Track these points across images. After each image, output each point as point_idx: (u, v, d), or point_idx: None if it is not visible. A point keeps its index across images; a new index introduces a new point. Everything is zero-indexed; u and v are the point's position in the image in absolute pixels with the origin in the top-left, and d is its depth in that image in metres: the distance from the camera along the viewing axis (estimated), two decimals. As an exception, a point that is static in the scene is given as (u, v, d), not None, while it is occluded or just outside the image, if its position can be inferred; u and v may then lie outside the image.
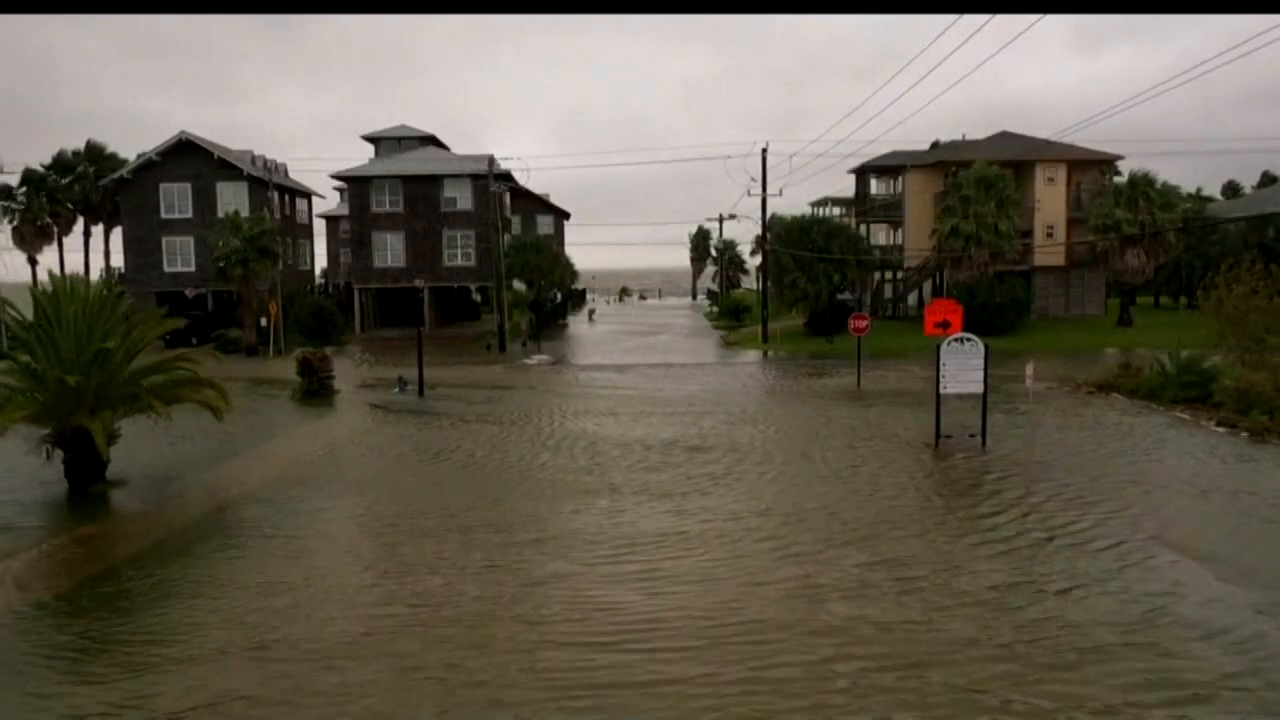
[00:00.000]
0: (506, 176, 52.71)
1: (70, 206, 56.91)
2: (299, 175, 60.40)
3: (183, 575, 11.71)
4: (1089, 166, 49.97)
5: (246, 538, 13.50)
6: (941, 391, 19.02)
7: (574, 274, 73.44)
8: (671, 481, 16.38)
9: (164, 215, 50.09)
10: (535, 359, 39.38)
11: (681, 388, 29.78)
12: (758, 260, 62.27)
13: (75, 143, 58.60)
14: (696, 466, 17.52)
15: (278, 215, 50.44)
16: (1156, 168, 68.83)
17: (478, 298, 66.71)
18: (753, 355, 41.60)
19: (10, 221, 54.87)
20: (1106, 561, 11.51)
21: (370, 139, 60.30)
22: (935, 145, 55.28)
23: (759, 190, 47.58)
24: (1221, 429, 19.94)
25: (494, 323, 47.25)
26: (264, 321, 42.43)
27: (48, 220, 56.15)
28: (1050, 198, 49.34)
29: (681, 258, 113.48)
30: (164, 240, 50.21)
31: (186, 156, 49.86)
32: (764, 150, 47.36)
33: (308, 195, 60.79)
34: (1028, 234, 48.04)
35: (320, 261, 70.89)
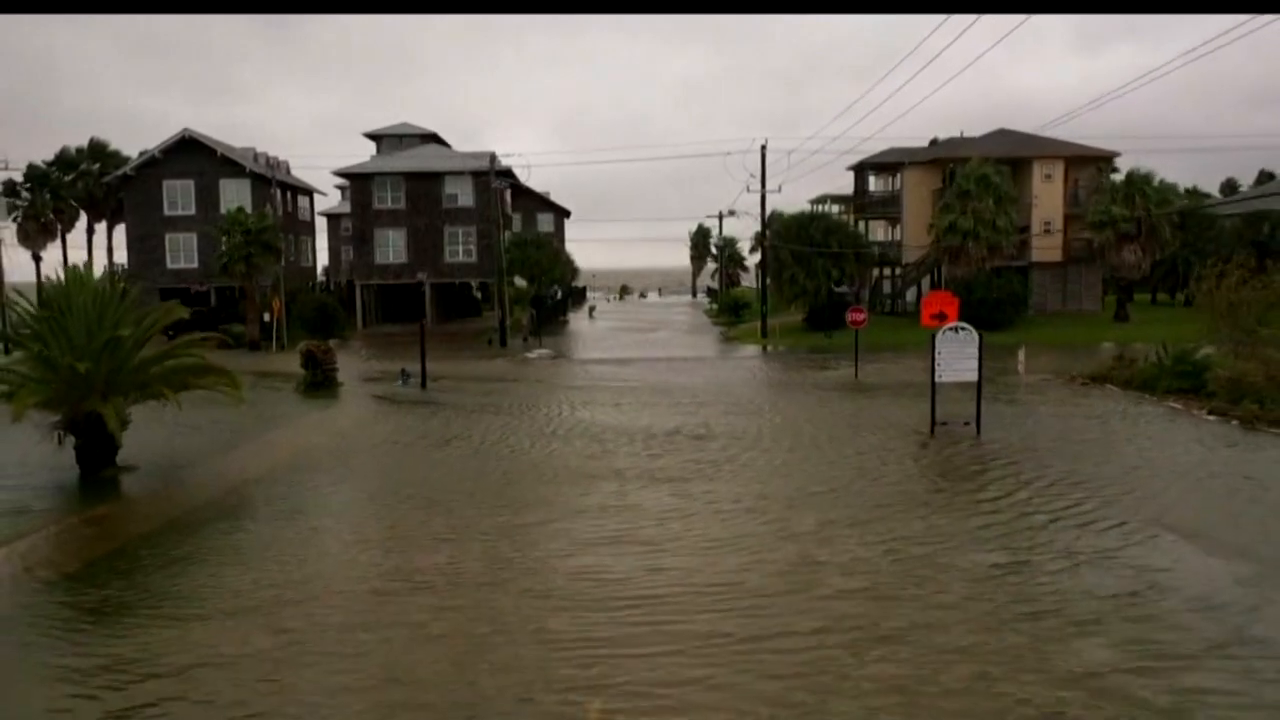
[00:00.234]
0: (507, 173, 53.04)
1: (74, 203, 57.31)
2: (300, 173, 60.75)
3: (195, 550, 12.05)
4: (1086, 163, 50.27)
5: (258, 516, 13.85)
6: (937, 380, 19.35)
7: (575, 271, 73.79)
8: (675, 467, 16.69)
9: (167, 212, 50.42)
10: (536, 353, 39.72)
11: (682, 380, 30.13)
12: (757, 258, 62.60)
13: (76, 142, 58.75)
14: (699, 453, 17.83)
15: (280, 212, 50.76)
16: (1156, 166, 69.24)
17: (478, 295, 67.05)
18: (752, 350, 41.94)
19: (14, 218, 55.19)
20: (1105, 540, 11.78)
21: (372, 136, 60.61)
22: (934, 143, 55.60)
23: (758, 186, 47.93)
24: (1213, 418, 20.26)
25: (494, 319, 47.58)
26: (267, 317, 42.76)
27: (51, 217, 56.52)
28: (1048, 194, 49.65)
29: (681, 257, 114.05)
30: (167, 237, 50.54)
31: (190, 153, 50.18)
32: (763, 146, 47.79)
33: (309, 193, 61.10)
34: (1025, 230, 48.38)
35: (322, 259, 71.26)
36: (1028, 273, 49.39)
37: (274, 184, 51.15)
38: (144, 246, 50.27)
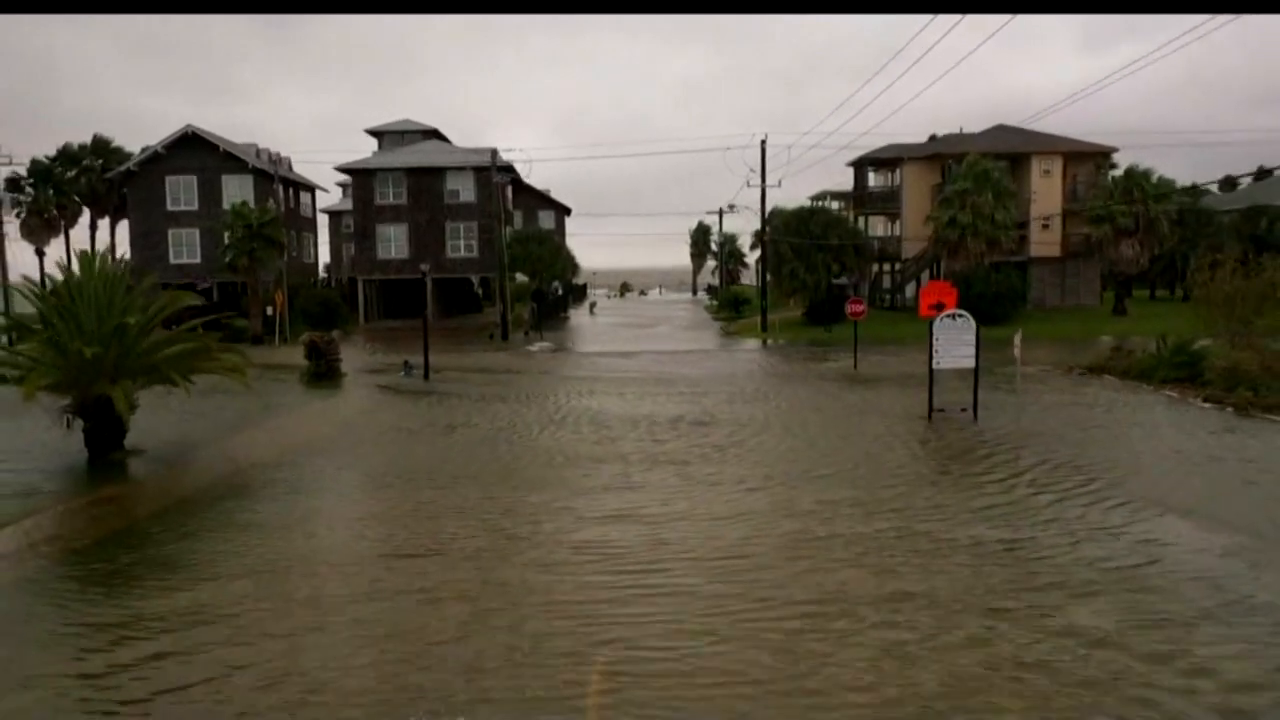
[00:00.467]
0: (509, 169, 53.21)
1: (76, 199, 57.50)
2: (301, 169, 60.92)
3: (203, 525, 12.26)
4: (1084, 159, 50.47)
5: (267, 495, 14.04)
6: (935, 367, 19.56)
7: (575, 267, 73.97)
8: (678, 451, 16.88)
9: (170, 208, 50.63)
10: (538, 346, 39.93)
11: (684, 371, 30.33)
12: (757, 254, 62.79)
13: (78, 142, 58.93)
14: (702, 438, 18.02)
15: (282, 207, 50.95)
16: (1156, 163, 69.40)
17: (479, 291, 67.25)
18: (752, 343, 42.14)
19: (17, 214, 55.41)
20: (1102, 517, 11.97)
21: (373, 133, 60.80)
22: (933, 138, 55.81)
23: (758, 181, 48.14)
24: (1208, 405, 20.48)
25: (495, 315, 47.77)
26: (270, 311, 42.93)
27: (54, 212, 56.73)
28: (1046, 190, 49.85)
29: (682, 256, 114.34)
30: (170, 232, 50.76)
31: (192, 149, 50.38)
32: (763, 141, 47.96)
33: (311, 189, 61.30)
34: (1024, 225, 48.58)
35: (323, 256, 71.46)
36: (1026, 267, 49.59)
37: (276, 179, 51.35)
38: (147, 242, 50.47)
